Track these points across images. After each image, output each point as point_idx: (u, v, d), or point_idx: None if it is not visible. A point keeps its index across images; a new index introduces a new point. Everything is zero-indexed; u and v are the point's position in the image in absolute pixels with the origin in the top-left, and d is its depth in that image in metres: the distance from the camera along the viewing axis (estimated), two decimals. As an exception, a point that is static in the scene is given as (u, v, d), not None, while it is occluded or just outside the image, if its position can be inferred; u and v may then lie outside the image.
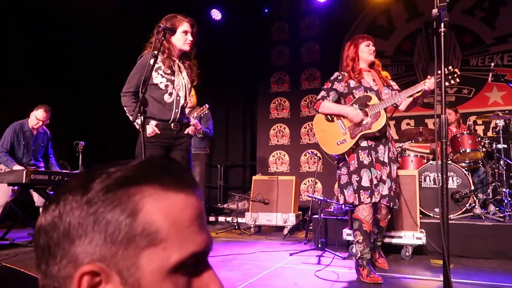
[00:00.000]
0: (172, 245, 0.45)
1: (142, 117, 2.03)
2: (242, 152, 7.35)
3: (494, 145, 4.24)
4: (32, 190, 4.00)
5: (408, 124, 5.93)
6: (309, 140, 6.54)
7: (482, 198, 4.20)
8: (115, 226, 0.44)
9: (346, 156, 2.89)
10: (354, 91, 2.92)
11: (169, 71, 2.59)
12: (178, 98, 2.63)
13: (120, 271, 0.44)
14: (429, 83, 2.68)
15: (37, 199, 4.14)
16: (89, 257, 0.44)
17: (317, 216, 4.13)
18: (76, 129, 6.10)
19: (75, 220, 0.45)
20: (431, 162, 4.27)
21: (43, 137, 4.47)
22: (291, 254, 3.60)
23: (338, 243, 3.90)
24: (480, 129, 5.41)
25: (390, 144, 2.92)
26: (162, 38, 2.39)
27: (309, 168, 6.47)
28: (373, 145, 2.83)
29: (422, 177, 4.11)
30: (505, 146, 4.21)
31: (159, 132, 2.56)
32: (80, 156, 3.88)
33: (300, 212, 5.30)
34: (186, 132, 2.71)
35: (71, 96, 6.27)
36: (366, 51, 2.97)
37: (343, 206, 3.79)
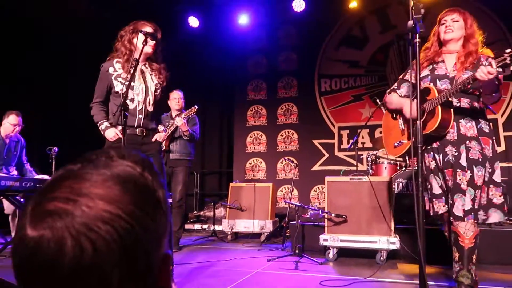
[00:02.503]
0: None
1: (123, 121, 2.01)
2: (218, 159, 7.34)
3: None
4: (1, 197, 3.86)
5: (381, 132, 6.10)
6: (286, 147, 6.61)
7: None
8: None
9: (407, 158, 2.68)
10: (422, 82, 2.38)
11: (128, 78, 2.58)
12: (139, 102, 2.61)
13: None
14: (479, 73, 2.03)
15: (7, 207, 4.00)
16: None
17: (294, 222, 4.17)
18: (48, 135, 5.93)
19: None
20: (403, 168, 4.40)
21: (16, 146, 4.34)
22: (268, 260, 3.62)
23: (314, 248, 3.95)
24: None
25: (474, 141, 2.29)
26: (144, 44, 2.39)
27: (285, 175, 6.53)
28: (436, 147, 2.37)
29: (396, 183, 4.23)
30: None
31: (120, 136, 2.55)
32: (53, 162, 3.77)
33: (277, 218, 5.33)
34: (154, 139, 2.68)
35: (42, 101, 6.10)
36: (441, 30, 2.42)
37: (320, 211, 3.85)
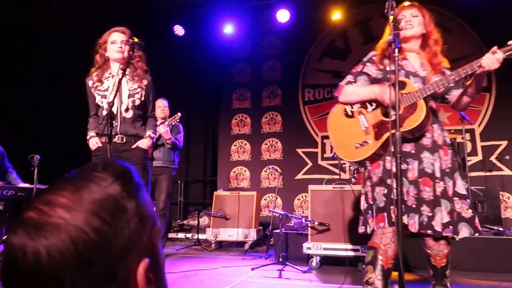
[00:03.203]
0: (158, 223, 0.57)
1: (109, 130, 2.03)
2: (203, 168, 7.33)
3: (441, 162, 4.54)
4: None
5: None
6: (270, 156, 6.66)
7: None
8: (148, 223, 0.53)
9: (367, 164, 2.18)
10: (391, 76, 2.06)
11: (103, 88, 2.66)
12: (117, 113, 2.63)
13: (154, 256, 0.54)
14: (486, 60, 1.87)
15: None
16: (141, 256, 0.52)
17: (277, 230, 4.19)
18: (30, 143, 5.83)
19: (129, 231, 0.51)
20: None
21: (-6, 154, 4.26)
22: (252, 269, 3.63)
23: (298, 257, 3.98)
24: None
25: (442, 150, 2.10)
26: (131, 53, 2.42)
27: (269, 183, 6.56)
28: (412, 151, 2.06)
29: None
30: (452, 163, 4.51)
31: (100, 145, 2.58)
32: (36, 170, 3.72)
33: (261, 227, 5.35)
34: (135, 146, 2.68)
35: (24, 107, 6.00)
36: (402, 24, 2.12)
37: (303, 220, 3.89)
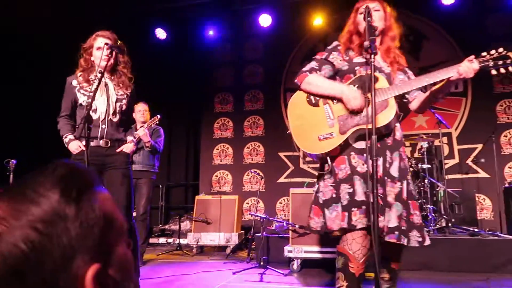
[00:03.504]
0: (123, 225, 0.56)
1: (87, 133, 2.00)
2: (184, 172, 7.28)
3: (419, 165, 4.63)
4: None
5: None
6: (252, 160, 6.66)
7: (410, 214, 4.53)
8: (97, 227, 0.51)
9: (329, 160, 2.03)
10: (358, 68, 2.07)
11: (91, 88, 2.60)
12: (102, 113, 2.60)
13: (108, 261, 0.52)
14: (464, 67, 1.86)
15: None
16: (87, 262, 0.50)
17: (259, 234, 4.20)
18: (5, 147, 5.69)
19: (68, 238, 0.50)
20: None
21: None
22: (234, 273, 3.62)
23: (279, 260, 3.98)
24: (408, 151, 5.87)
25: (401, 150, 2.05)
26: (82, 56, 2.41)
27: (251, 187, 6.57)
28: (377, 146, 1.88)
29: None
30: (429, 166, 4.63)
31: (83, 149, 2.53)
32: (11, 175, 3.63)
33: (243, 231, 5.34)
34: (119, 150, 2.65)
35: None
36: (361, 20, 2.07)
37: (284, 223, 3.90)
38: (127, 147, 2.69)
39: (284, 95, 6.66)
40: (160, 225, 6.44)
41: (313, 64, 2.17)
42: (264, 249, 4.10)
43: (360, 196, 1.92)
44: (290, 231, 3.89)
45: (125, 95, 2.70)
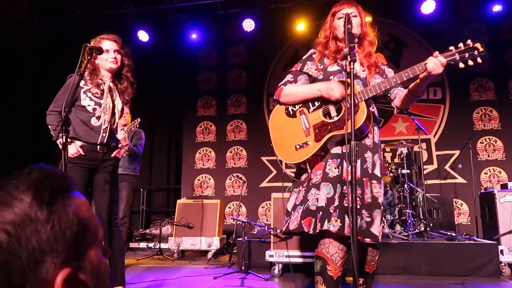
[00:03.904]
0: (99, 231, 0.56)
1: (64, 136, 1.96)
2: (166, 176, 7.22)
3: (399, 171, 4.71)
4: None
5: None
6: (234, 164, 6.66)
7: (390, 219, 4.61)
8: (69, 232, 0.50)
9: (308, 166, 2.08)
10: (332, 77, 2.10)
11: (98, 94, 2.58)
12: (105, 121, 2.59)
13: (80, 266, 0.52)
14: (431, 64, 1.87)
15: None
16: (58, 266, 0.50)
17: (241, 239, 4.19)
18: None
19: (38, 241, 0.49)
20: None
21: None
22: (214, 278, 3.60)
23: (261, 265, 3.98)
24: (388, 156, 5.97)
25: (381, 152, 2.16)
26: (89, 58, 2.35)
27: (234, 191, 6.56)
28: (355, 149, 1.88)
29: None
30: (408, 171, 4.71)
31: (83, 153, 2.50)
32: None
33: (225, 235, 5.32)
34: (113, 155, 2.64)
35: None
36: (339, 25, 2.11)
37: (266, 228, 3.91)
38: (119, 153, 2.71)
39: (267, 99, 6.69)
40: (141, 230, 6.36)
41: (288, 77, 2.24)
42: (245, 253, 4.08)
43: (321, 202, 1.96)
44: (272, 236, 3.89)
45: (125, 101, 2.71)
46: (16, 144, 5.99)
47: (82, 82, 2.57)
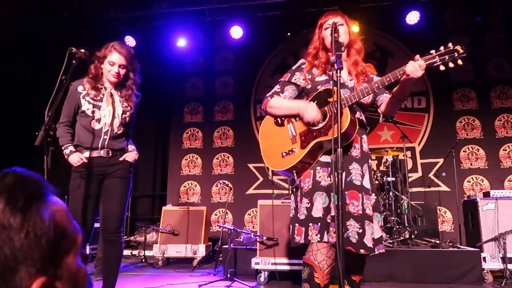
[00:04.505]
0: (77, 237, 0.54)
1: (47, 140, 1.93)
2: (152, 182, 7.15)
3: (385, 178, 4.76)
4: None
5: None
6: (221, 170, 6.63)
7: (375, 226, 4.63)
8: (45, 239, 0.48)
9: (295, 174, 2.11)
10: (319, 87, 2.14)
11: (97, 97, 2.56)
12: (106, 124, 2.56)
13: (57, 274, 0.50)
14: (412, 66, 1.90)
15: None
16: (33, 274, 0.48)
17: (227, 246, 4.16)
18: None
19: (11, 249, 0.47)
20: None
21: None
22: (200, 286, 3.56)
23: (246, 272, 3.96)
24: (374, 164, 6.02)
25: (369, 163, 2.15)
26: (74, 62, 2.32)
27: (220, 198, 6.52)
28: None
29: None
30: (394, 179, 4.76)
31: (85, 161, 2.46)
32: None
33: (211, 243, 5.28)
34: (121, 158, 2.60)
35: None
36: (327, 35, 2.12)
37: (252, 235, 3.89)
38: (130, 156, 2.66)
39: (254, 106, 6.70)
40: (125, 237, 6.26)
41: (276, 87, 2.29)
42: (231, 261, 4.05)
43: (316, 212, 1.98)
44: (258, 243, 3.88)
45: (129, 108, 2.68)
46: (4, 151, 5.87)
47: (81, 88, 2.57)
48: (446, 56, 1.90)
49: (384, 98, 2.20)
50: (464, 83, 5.98)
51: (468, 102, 6.04)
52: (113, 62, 2.56)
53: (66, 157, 2.49)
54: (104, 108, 2.56)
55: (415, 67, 1.89)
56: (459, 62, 1.89)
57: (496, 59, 6.05)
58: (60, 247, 0.51)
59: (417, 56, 1.94)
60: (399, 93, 2.05)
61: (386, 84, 1.99)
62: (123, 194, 2.60)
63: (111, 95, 2.62)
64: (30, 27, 5.88)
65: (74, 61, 2.33)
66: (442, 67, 1.92)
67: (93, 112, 2.53)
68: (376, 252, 1.98)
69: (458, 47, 1.90)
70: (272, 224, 3.87)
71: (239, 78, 6.88)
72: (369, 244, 1.97)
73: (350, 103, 1.99)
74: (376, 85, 1.99)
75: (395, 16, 6.14)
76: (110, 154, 2.56)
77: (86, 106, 2.53)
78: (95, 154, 2.52)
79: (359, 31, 5.77)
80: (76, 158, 2.45)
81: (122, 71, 2.62)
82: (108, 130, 2.57)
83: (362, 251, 1.97)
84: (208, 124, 6.83)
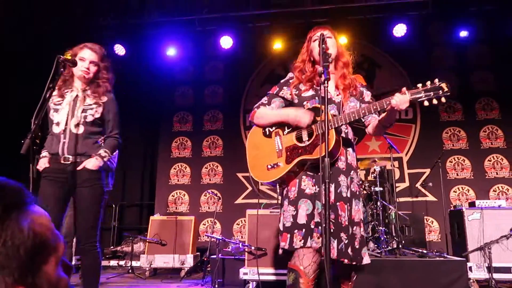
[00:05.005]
0: (58, 247, 0.53)
1: (33, 150, 1.90)
2: (140, 191, 7.07)
3: (372, 188, 4.79)
4: None
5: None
6: (210, 180, 6.61)
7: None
8: (23, 248, 0.47)
9: (278, 185, 2.20)
10: (305, 103, 2.18)
11: (60, 101, 2.50)
12: (63, 126, 2.46)
13: (36, 283, 0.49)
14: (397, 99, 1.94)
15: None
16: (10, 284, 0.47)
17: (215, 256, 4.13)
18: None
19: None
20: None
21: None
22: (187, 297, 3.52)
23: (235, 283, 3.92)
24: (361, 174, 6.06)
25: (354, 173, 2.18)
26: (62, 70, 2.31)
27: (208, 208, 6.49)
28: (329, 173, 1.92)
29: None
30: (381, 189, 4.80)
31: (47, 165, 2.42)
32: None
33: (199, 253, 5.23)
34: (79, 167, 2.44)
35: None
36: (315, 47, 2.14)
37: (240, 245, 3.87)
38: (89, 163, 2.45)
39: (244, 116, 6.72)
40: (112, 247, 6.16)
41: (263, 99, 2.32)
42: (219, 271, 4.02)
43: (301, 219, 2.01)
44: (246, 253, 3.85)
45: (95, 105, 2.55)
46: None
47: (54, 93, 2.50)
48: (431, 92, 1.94)
49: (372, 119, 2.22)
50: (450, 95, 6.08)
51: (454, 114, 6.15)
52: (84, 58, 2.52)
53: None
54: (63, 109, 2.50)
55: (401, 101, 1.94)
56: (442, 100, 1.95)
57: (480, 71, 6.19)
58: (39, 257, 0.50)
59: (404, 89, 1.98)
60: (385, 120, 2.11)
61: (373, 112, 2.05)
62: (92, 203, 2.48)
63: (76, 96, 2.54)
64: (17, 33, 5.83)
65: (62, 69, 2.32)
66: (426, 103, 1.97)
67: (53, 116, 2.51)
68: (367, 263, 2.03)
69: (443, 85, 1.93)
70: (261, 234, 3.85)
71: (229, 88, 6.90)
72: (351, 253, 2.01)
73: (336, 126, 2.02)
74: (363, 111, 2.04)
75: (382, 28, 6.26)
76: (70, 161, 2.45)
77: (51, 112, 2.52)
78: (54, 159, 2.46)
79: (347, 42, 5.86)
80: (42, 163, 2.44)
81: (93, 68, 2.56)
82: (66, 133, 2.46)
83: (346, 261, 1.99)
84: (197, 133, 6.82)
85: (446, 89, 1.94)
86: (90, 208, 2.47)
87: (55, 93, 2.49)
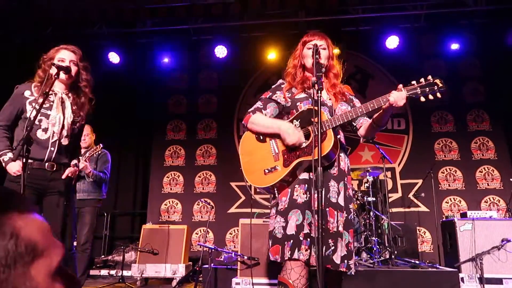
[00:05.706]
0: (51, 254, 0.52)
1: (25, 157, 1.88)
2: (132, 200, 7.02)
3: (365, 198, 4.81)
4: None
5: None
6: (203, 189, 6.58)
7: (356, 246, 4.65)
8: (4, 251, 0.46)
9: (276, 192, 2.13)
10: (298, 104, 2.18)
11: (46, 105, 2.40)
12: (54, 134, 2.42)
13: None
14: (395, 96, 1.94)
15: None
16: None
17: (207, 266, 4.09)
18: None
19: None
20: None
21: None
22: (178, 307, 3.48)
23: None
24: (355, 184, 6.08)
25: (346, 179, 2.15)
26: (56, 76, 2.29)
27: (201, 217, 6.45)
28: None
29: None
30: (374, 199, 4.81)
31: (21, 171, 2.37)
32: None
33: (191, 262, 5.19)
34: (64, 176, 2.43)
35: None
36: (309, 55, 2.16)
37: (233, 254, 3.85)
38: (71, 171, 2.48)
39: (238, 125, 6.73)
40: (103, 256, 6.09)
41: (258, 104, 2.28)
42: (211, 281, 3.99)
43: (290, 230, 1.98)
44: (239, 263, 3.83)
45: (80, 118, 2.54)
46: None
47: (28, 93, 2.44)
48: (427, 88, 1.97)
49: (364, 122, 2.23)
50: (441, 106, 6.18)
51: (446, 125, 6.22)
52: (63, 58, 2.47)
53: (3, 164, 2.33)
54: (54, 117, 2.42)
55: (398, 97, 1.95)
56: (438, 95, 1.98)
57: (471, 83, 6.29)
58: (27, 265, 0.49)
59: (400, 86, 1.99)
60: (380, 119, 2.10)
61: (370, 110, 2.05)
62: (63, 212, 2.45)
63: (62, 101, 2.48)
64: (11, 41, 5.82)
65: (55, 75, 2.31)
66: (422, 99, 2.00)
67: (40, 121, 2.38)
68: (343, 270, 1.97)
69: (437, 81, 1.96)
70: (254, 244, 3.84)
71: (223, 97, 6.92)
72: (337, 260, 1.98)
73: (334, 126, 2.02)
74: (361, 110, 2.05)
75: (375, 40, 6.35)
76: (55, 168, 2.41)
77: (33, 114, 2.36)
78: (37, 165, 2.36)
79: (340, 53, 5.92)
80: (16, 168, 2.28)
81: (74, 68, 2.51)
82: (56, 141, 2.42)
83: (329, 266, 1.97)
84: (191, 142, 6.81)
85: (440, 85, 1.97)
86: (61, 215, 2.42)
87: (35, 92, 2.43)
